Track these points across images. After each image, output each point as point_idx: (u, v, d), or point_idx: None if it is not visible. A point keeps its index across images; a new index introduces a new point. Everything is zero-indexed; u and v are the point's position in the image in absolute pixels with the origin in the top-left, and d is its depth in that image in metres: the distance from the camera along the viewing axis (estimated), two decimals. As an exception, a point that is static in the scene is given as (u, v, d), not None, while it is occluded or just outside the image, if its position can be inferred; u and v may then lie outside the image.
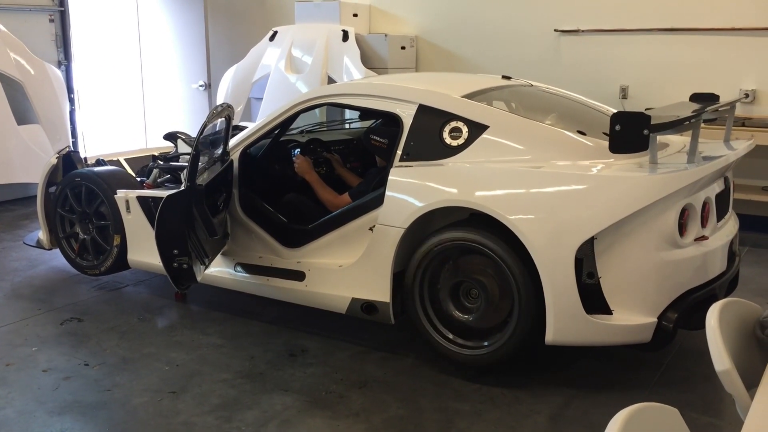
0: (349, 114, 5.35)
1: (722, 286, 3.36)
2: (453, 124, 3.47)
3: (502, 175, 3.25)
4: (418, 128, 3.53)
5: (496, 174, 3.26)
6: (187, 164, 4.42)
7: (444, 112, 3.51)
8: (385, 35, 6.94)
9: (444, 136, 3.47)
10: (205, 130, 3.49)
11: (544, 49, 6.64)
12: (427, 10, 7.23)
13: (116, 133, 8.56)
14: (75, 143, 7.52)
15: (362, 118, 5.04)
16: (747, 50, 5.79)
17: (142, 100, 8.58)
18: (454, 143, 3.45)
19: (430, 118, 3.53)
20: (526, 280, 3.16)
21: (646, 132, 2.97)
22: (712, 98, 3.95)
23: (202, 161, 3.59)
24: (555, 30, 6.53)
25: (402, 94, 3.65)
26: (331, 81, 6.84)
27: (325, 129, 5.13)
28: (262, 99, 7.21)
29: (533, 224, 3.10)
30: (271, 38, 7.36)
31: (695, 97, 3.99)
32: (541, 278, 3.10)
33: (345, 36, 6.96)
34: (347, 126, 5.31)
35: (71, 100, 7.43)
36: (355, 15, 7.30)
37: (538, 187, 3.16)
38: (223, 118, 3.66)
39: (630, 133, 3.00)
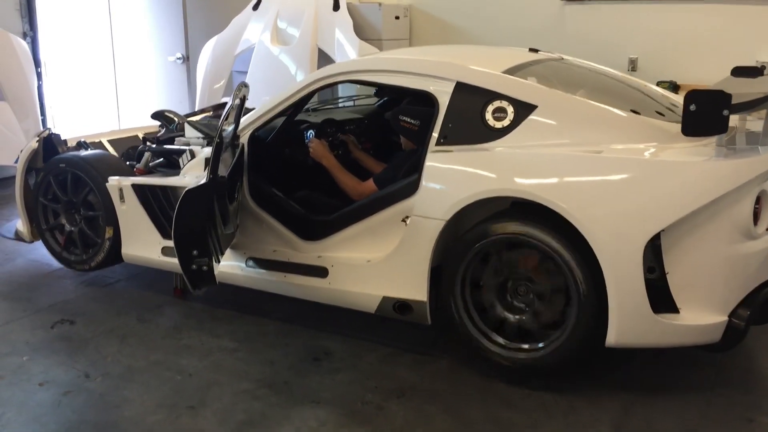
0: (355, 90, 4.97)
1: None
2: (497, 103, 3.13)
3: (558, 161, 2.93)
4: (456, 108, 3.19)
5: (552, 160, 2.94)
6: (183, 147, 4.06)
7: (486, 91, 3.16)
8: (379, 4, 6.53)
9: (487, 117, 3.13)
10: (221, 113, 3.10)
11: (547, 19, 6.31)
12: (421, -23, 6.83)
13: (87, 110, 7.99)
14: (44, 121, 6.98)
15: (378, 95, 4.67)
16: (762, 20, 5.55)
17: (113, 74, 8.02)
18: (499, 125, 3.11)
19: (470, 96, 3.18)
20: (586, 276, 2.86)
21: (726, 112, 2.67)
22: (757, 72, 3.69)
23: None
24: (560, -1, 6.20)
25: (436, 70, 3.29)
26: (321, 53, 6.41)
27: (332, 107, 4.73)
28: (246, 73, 6.75)
29: (597, 217, 2.80)
30: (255, 7, 6.87)
31: (738, 71, 3.72)
32: (604, 275, 2.81)
33: (336, 5, 6.52)
34: (353, 103, 4.92)
35: (38, 75, 6.87)
36: (346, -18, 6.85)
37: (600, 174, 2.86)
38: (238, 99, 3.26)
39: (707, 113, 2.70)
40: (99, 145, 4.82)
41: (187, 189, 3.03)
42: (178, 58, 7.40)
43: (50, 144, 4.38)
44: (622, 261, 2.78)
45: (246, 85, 3.32)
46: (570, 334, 2.95)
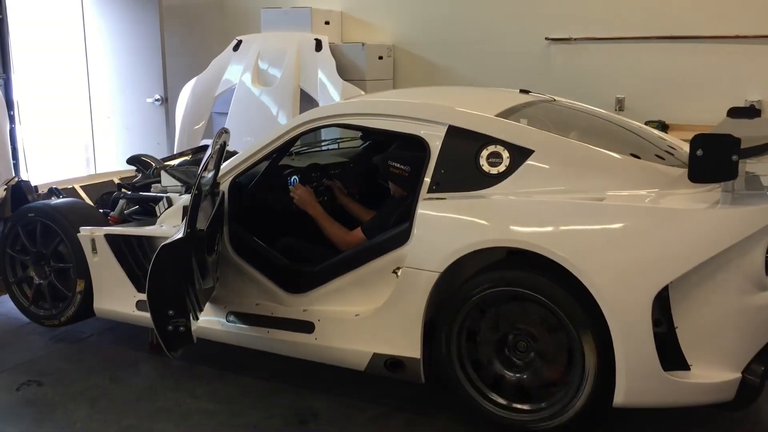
0: (338, 132, 4.81)
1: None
2: (491, 148, 2.98)
3: (558, 209, 2.77)
4: (449, 153, 3.03)
5: (552, 208, 2.78)
6: (160, 194, 3.85)
7: (480, 135, 3.01)
8: (363, 44, 6.42)
9: (481, 163, 2.98)
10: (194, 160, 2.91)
11: (533, 59, 6.22)
12: (403, 17, 6.73)
13: (61, 153, 7.76)
14: (16, 166, 6.73)
15: (363, 137, 4.51)
16: (752, 59, 5.48)
17: (89, 116, 7.82)
18: (494, 171, 2.95)
19: (464, 141, 3.03)
20: (591, 332, 2.68)
21: (735, 158, 2.53)
22: (754, 112, 3.58)
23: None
24: (546, 38, 6.12)
25: (427, 113, 3.14)
26: (304, 94, 6.27)
27: (316, 150, 4.56)
28: (226, 114, 6.58)
29: (601, 268, 2.64)
30: (235, 48, 6.72)
31: (735, 113, 3.60)
32: (610, 330, 2.63)
33: (318, 45, 6.40)
34: (337, 146, 4.76)
35: (11, 117, 6.64)
36: (327, 23, 6.75)
37: (604, 223, 2.70)
38: (218, 145, 3.08)
39: (715, 158, 2.56)
40: (72, 191, 4.61)
41: (162, 245, 2.82)
42: (156, 100, 7.22)
43: (19, 191, 4.16)
44: (629, 316, 2.61)
45: (226, 131, 3.15)
46: (575, 395, 2.76)
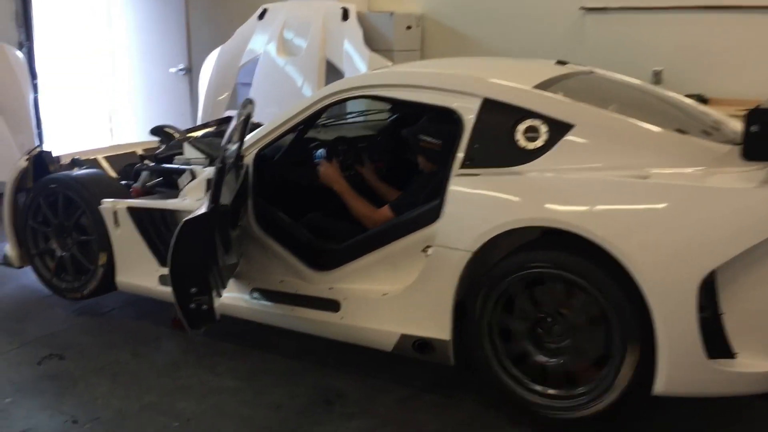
0: (364, 103, 4.66)
1: None
2: (528, 122, 2.83)
3: (599, 187, 2.62)
4: (483, 127, 2.88)
5: (592, 186, 2.64)
6: (183, 166, 3.76)
7: (517, 108, 2.86)
8: (391, 13, 6.24)
9: (517, 138, 2.83)
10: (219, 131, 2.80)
11: (567, 29, 6.00)
12: (432, -15, 6.54)
13: (84, 124, 7.71)
14: (40, 135, 6.69)
15: (391, 110, 4.36)
16: (798, 30, 5.24)
17: (112, 86, 7.75)
18: (531, 146, 2.81)
19: (499, 114, 2.88)
20: (631, 316, 2.55)
21: (793, 135, 2.37)
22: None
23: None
24: (580, 8, 5.89)
25: (461, 85, 2.99)
26: (329, 65, 6.12)
27: (342, 122, 4.43)
28: (250, 85, 6.46)
29: (645, 251, 2.49)
30: (261, 16, 6.58)
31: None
32: (652, 316, 2.50)
33: (345, 14, 6.23)
34: (363, 119, 4.61)
35: (34, 87, 6.58)
36: (354, -9, 6.57)
37: (648, 203, 2.55)
38: (243, 117, 2.96)
39: (772, 135, 2.40)
40: (94, 162, 4.53)
41: (185, 220, 2.72)
42: (180, 70, 7.14)
43: (41, 162, 4.09)
44: (673, 301, 2.47)
45: (251, 102, 3.03)
46: (613, 383, 2.63)
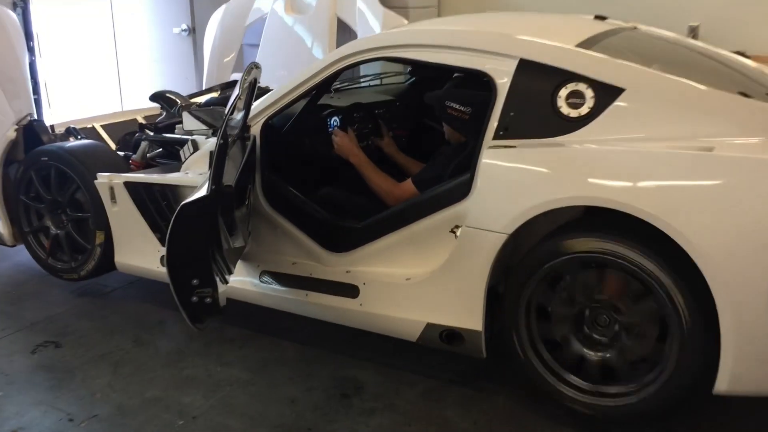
0: (380, 66, 4.31)
1: None
2: (572, 86, 2.49)
3: (656, 160, 2.29)
4: (520, 92, 2.55)
5: (648, 159, 2.30)
6: (184, 136, 3.45)
7: (558, 70, 2.52)
8: (406, -33, 5.84)
9: (559, 104, 2.50)
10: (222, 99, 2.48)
11: (595, -18, 5.58)
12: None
13: (86, 88, 7.36)
14: (38, 100, 6.36)
15: (410, 72, 4.02)
16: None
17: (114, 47, 7.39)
18: (575, 113, 2.48)
19: (538, 78, 2.54)
20: (691, 305, 2.25)
21: None
22: None
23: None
24: (611, -41, 5.47)
25: (494, 44, 2.64)
26: (340, 24, 5.75)
27: (357, 86, 4.09)
28: (257, 46, 6.11)
29: (711, 235, 2.17)
30: (267, -28, 6.20)
31: None
32: (717, 307, 2.19)
33: (357, -32, 5.83)
34: (380, 82, 4.27)
35: (30, 49, 6.23)
36: (367, -57, 6.15)
37: (714, 178, 2.22)
38: (248, 83, 2.63)
39: None
40: (92, 131, 4.24)
41: (182, 204, 2.41)
42: (184, 30, 6.78)
43: (32, 132, 3.79)
44: (742, 291, 2.16)
45: (257, 66, 2.70)
46: (667, 378, 2.34)
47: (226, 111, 2.48)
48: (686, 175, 2.24)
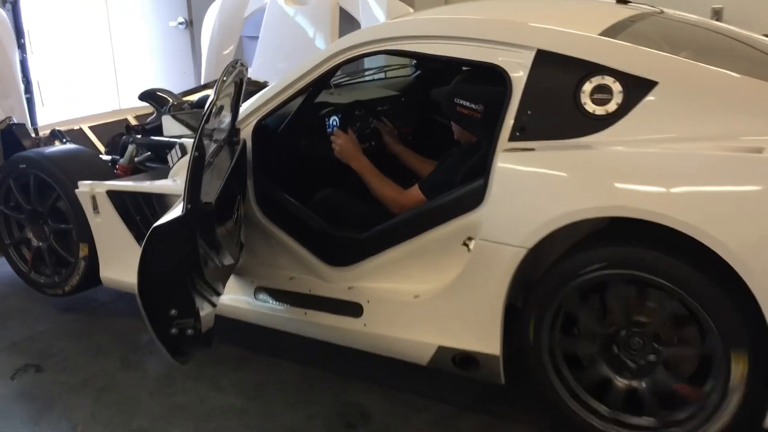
0: (383, 58, 4.03)
1: None
2: (597, 80, 2.20)
3: (697, 164, 2.01)
4: (538, 88, 2.26)
5: (687, 163, 2.02)
6: (172, 139, 3.19)
7: (581, 62, 2.23)
8: (411, -48, 5.54)
9: (583, 100, 2.21)
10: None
11: (612, -36, 5.27)
12: None
13: (80, 84, 7.12)
14: (31, 99, 6.13)
15: (415, 65, 3.74)
16: None
17: (109, 42, 7.14)
18: (601, 110, 2.19)
19: (559, 71, 2.25)
20: (740, 333, 1.97)
21: None
22: None
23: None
24: (628, -62, 5.16)
25: (507, 34, 2.36)
26: (343, 13, 5.48)
27: (358, 81, 3.81)
28: (257, 38, 5.85)
29: (763, 250, 1.89)
30: (266, -39, 5.93)
31: None
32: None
33: (359, -45, 5.55)
34: (383, 75, 3.99)
35: (21, 46, 6.00)
36: (369, -72, 5.86)
37: (766, 184, 1.93)
38: (233, 84, 2.36)
39: None
40: (79, 133, 3.99)
41: (153, 226, 2.14)
42: (181, 23, 6.53)
43: (11, 136, 3.54)
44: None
45: (242, 65, 2.41)
46: (713, 412, 2.06)
47: (201, 119, 2.18)
48: (731, 182, 1.96)
